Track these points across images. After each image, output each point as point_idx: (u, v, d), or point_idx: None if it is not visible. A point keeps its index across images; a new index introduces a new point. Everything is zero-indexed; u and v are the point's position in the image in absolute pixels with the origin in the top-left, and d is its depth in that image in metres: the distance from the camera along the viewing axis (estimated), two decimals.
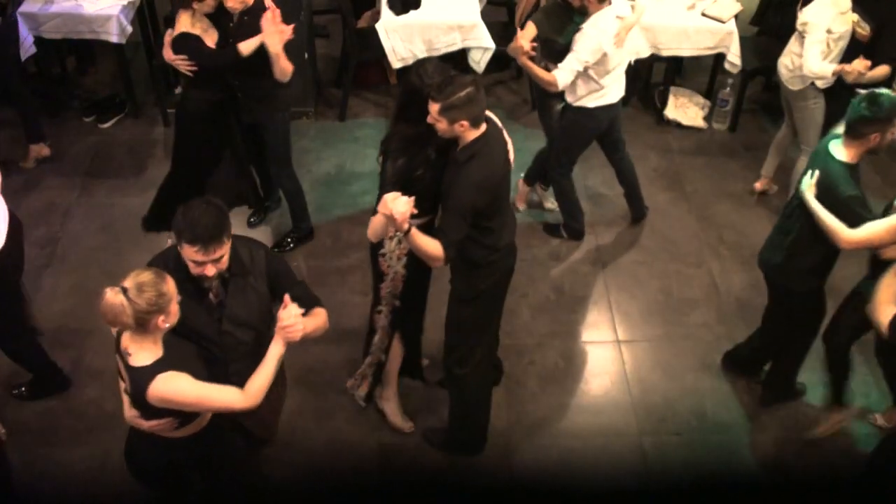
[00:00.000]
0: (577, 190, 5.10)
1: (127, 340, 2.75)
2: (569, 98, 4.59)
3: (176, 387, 2.72)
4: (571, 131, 4.74)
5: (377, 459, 4.00)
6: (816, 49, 4.60)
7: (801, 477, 3.99)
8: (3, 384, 4.21)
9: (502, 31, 6.02)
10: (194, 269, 2.83)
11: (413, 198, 3.11)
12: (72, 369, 4.29)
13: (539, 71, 4.40)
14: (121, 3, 5.42)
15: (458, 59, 5.76)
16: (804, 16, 4.67)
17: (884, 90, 3.50)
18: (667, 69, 5.96)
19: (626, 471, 4.00)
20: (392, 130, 3.44)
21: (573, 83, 4.45)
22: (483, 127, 3.23)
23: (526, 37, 4.33)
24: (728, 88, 5.89)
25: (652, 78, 6.27)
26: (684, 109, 6.04)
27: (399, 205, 3.08)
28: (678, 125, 6.00)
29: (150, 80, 5.98)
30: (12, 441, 3.85)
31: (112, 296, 2.61)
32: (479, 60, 5.65)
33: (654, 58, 5.71)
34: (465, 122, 3.15)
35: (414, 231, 3.18)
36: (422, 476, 3.97)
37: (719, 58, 5.80)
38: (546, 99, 4.85)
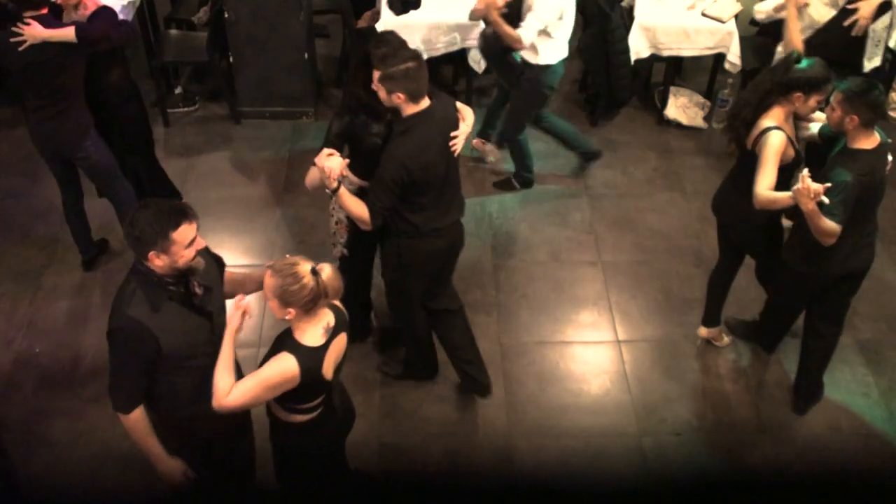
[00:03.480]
0: (578, 188, 5.10)
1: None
2: (531, 59, 4.70)
3: None
4: (533, 91, 4.88)
5: (377, 459, 4.00)
6: None
7: (801, 477, 3.99)
8: (4, 381, 4.22)
9: None
10: (186, 257, 2.71)
11: (346, 160, 3.28)
12: (71, 369, 4.29)
13: (508, 28, 4.49)
14: (121, 2, 5.41)
15: (457, 59, 5.77)
16: None
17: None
18: (667, 69, 5.96)
19: (626, 471, 4.00)
20: (346, 89, 3.54)
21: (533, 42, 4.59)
22: (423, 104, 3.32)
23: None
24: (728, 88, 5.88)
25: (652, 78, 6.27)
26: (684, 109, 6.04)
27: (331, 161, 3.23)
28: (678, 125, 6.00)
29: (150, 80, 5.97)
30: (12, 440, 3.86)
31: (335, 273, 2.72)
32: (479, 60, 5.64)
33: (654, 58, 5.71)
34: (401, 95, 3.26)
35: (342, 191, 3.32)
36: (422, 476, 3.97)
37: (719, 58, 5.80)
38: (507, 55, 4.92)
